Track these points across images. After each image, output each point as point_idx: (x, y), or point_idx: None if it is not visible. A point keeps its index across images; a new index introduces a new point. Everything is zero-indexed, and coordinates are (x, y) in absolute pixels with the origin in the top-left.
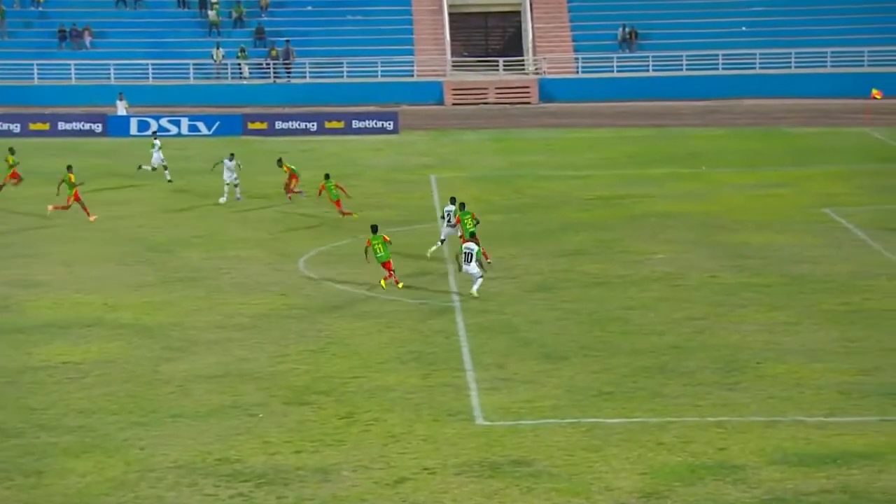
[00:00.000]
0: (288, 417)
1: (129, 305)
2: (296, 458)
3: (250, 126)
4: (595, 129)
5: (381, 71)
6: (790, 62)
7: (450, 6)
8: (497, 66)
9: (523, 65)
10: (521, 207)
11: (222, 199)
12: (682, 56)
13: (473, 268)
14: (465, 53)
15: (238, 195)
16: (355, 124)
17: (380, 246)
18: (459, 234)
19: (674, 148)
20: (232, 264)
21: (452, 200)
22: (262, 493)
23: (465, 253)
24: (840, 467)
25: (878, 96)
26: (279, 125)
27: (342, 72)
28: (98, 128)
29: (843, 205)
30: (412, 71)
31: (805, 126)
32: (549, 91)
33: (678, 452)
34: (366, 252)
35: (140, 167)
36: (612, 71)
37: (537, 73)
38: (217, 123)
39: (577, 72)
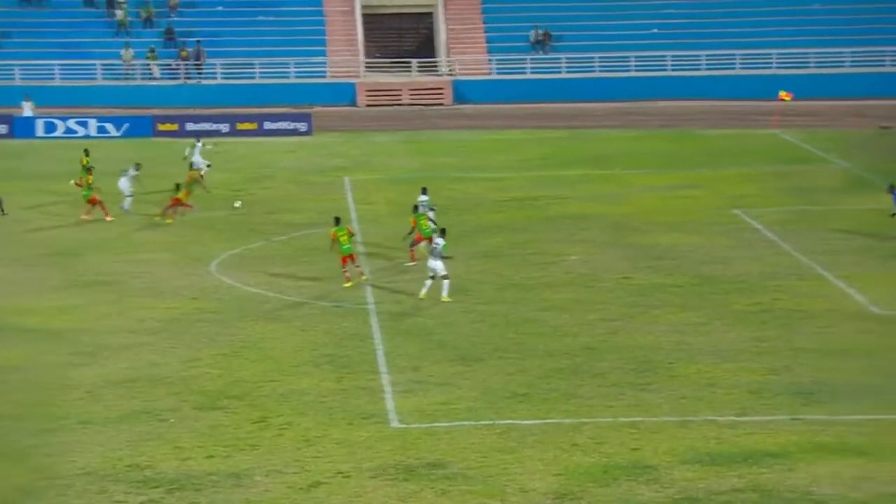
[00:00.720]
0: (200, 422)
1: (36, 310)
2: (208, 464)
3: (160, 127)
4: (509, 131)
5: (294, 72)
6: (701, 64)
7: (363, 7)
8: (410, 67)
9: (437, 66)
10: (436, 210)
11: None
12: (594, 58)
13: (438, 265)
14: (379, 55)
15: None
16: (268, 126)
17: (345, 237)
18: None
19: (587, 149)
20: (142, 268)
21: (424, 191)
22: (174, 499)
23: (433, 249)
24: (751, 466)
25: (786, 98)
26: (190, 126)
27: (254, 73)
28: (4, 129)
29: (753, 206)
30: (325, 72)
31: (716, 128)
32: (462, 92)
33: (592, 453)
34: (332, 244)
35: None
36: (526, 72)
37: (451, 75)
38: (126, 125)
39: (491, 73)
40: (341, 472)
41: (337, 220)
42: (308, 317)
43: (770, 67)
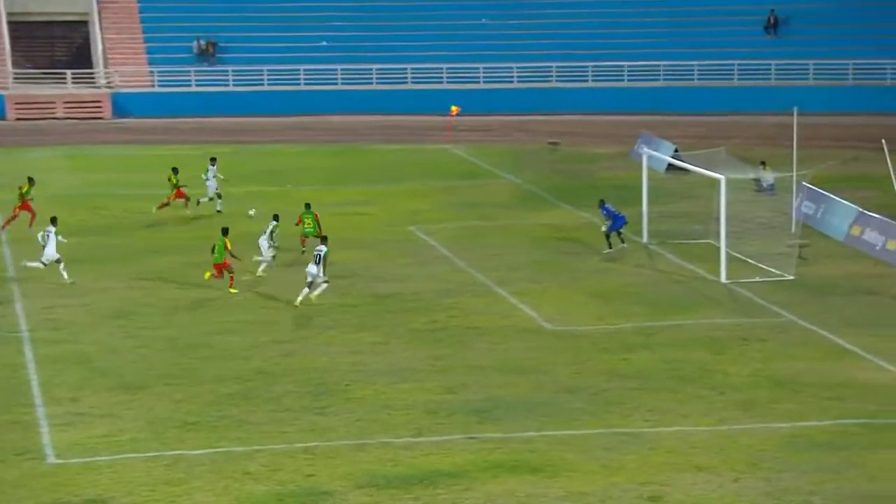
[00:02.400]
0: None
1: None
2: None
3: None
4: (175, 146)
5: None
6: (372, 78)
7: (8, 15)
8: (65, 78)
9: (94, 78)
10: (100, 229)
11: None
12: (263, 70)
13: (316, 270)
14: (29, 65)
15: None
16: None
17: (310, 221)
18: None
19: (257, 165)
20: None
21: (212, 161)
22: None
23: (315, 254)
24: (427, 487)
25: (455, 112)
26: None
27: None
28: None
29: (427, 222)
30: None
31: (388, 143)
32: (123, 105)
33: (265, 481)
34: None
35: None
36: (191, 85)
37: (110, 87)
38: None
39: (154, 85)
40: None
41: (224, 231)
42: None
43: (441, 82)
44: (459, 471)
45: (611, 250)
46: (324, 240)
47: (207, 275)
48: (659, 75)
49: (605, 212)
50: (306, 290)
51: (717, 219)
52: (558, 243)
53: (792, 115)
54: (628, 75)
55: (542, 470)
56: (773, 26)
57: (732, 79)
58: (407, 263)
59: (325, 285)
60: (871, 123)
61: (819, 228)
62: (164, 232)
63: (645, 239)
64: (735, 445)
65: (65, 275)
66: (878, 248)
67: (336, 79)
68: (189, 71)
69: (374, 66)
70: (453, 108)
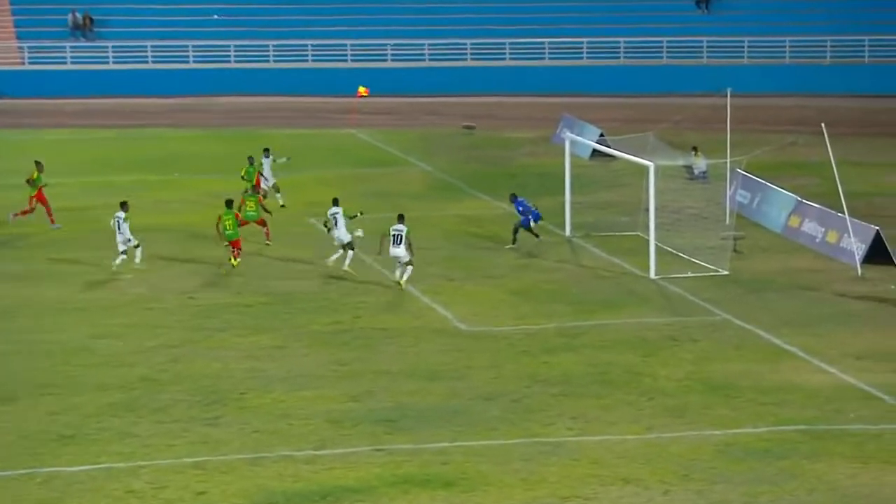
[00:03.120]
0: None
1: None
2: None
3: None
4: (51, 130)
5: None
6: (269, 56)
7: None
8: None
9: None
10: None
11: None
12: (146, 46)
13: (401, 252)
14: None
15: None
16: None
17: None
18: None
19: (142, 152)
20: None
21: (335, 202)
22: None
23: (393, 235)
24: None
25: (364, 94)
26: None
27: None
28: None
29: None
30: None
31: (288, 127)
32: None
33: (150, 500)
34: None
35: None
36: (66, 62)
37: None
38: None
39: (24, 63)
40: None
41: (228, 203)
42: None
43: (345, 60)
44: (365, 486)
45: (514, 245)
46: (401, 218)
47: (234, 262)
48: (582, 53)
49: (518, 206)
50: (409, 268)
51: (646, 209)
52: (474, 237)
53: (725, 96)
54: (549, 53)
55: (456, 484)
56: (704, 1)
57: (661, 57)
58: (308, 259)
59: (409, 268)
60: (810, 105)
61: (755, 219)
62: (36, 226)
63: (568, 232)
64: (665, 455)
65: (138, 257)
66: (817, 240)
67: (229, 56)
68: (64, 47)
69: (271, 43)
70: (361, 89)
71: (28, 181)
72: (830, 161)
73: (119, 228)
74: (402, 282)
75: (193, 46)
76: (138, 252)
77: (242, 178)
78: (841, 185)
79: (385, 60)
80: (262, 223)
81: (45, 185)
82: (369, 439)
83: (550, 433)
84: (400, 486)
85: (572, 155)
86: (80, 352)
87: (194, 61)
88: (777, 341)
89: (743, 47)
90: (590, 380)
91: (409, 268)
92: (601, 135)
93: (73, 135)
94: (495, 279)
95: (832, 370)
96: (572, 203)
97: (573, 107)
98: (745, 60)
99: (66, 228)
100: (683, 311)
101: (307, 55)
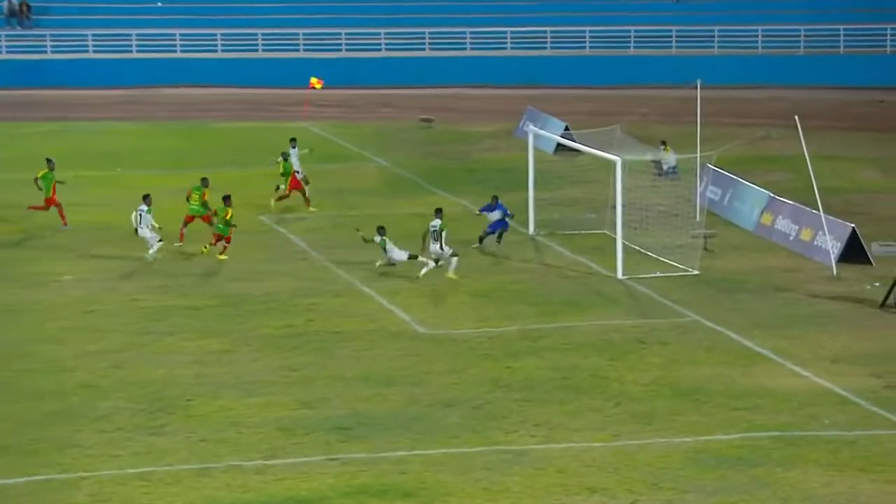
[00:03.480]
0: None
1: None
2: None
3: None
4: None
5: None
6: (217, 45)
7: None
8: None
9: None
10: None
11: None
12: (87, 35)
13: (438, 248)
14: None
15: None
16: None
17: (197, 198)
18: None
19: (83, 146)
20: None
21: (438, 213)
22: None
23: (431, 231)
24: None
25: (317, 86)
26: None
27: None
28: None
29: (283, 211)
30: None
31: (238, 120)
32: None
33: None
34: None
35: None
36: (1, 52)
37: None
38: None
39: None
40: None
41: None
42: None
43: (297, 50)
44: (319, 497)
45: (481, 245)
46: (438, 212)
47: (222, 257)
48: (546, 43)
49: (500, 211)
50: (427, 266)
51: (613, 206)
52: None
53: (695, 87)
54: (511, 43)
55: (415, 494)
56: None
57: (629, 47)
58: (259, 259)
59: (455, 259)
60: (783, 97)
61: (726, 216)
62: None
63: (531, 230)
64: (633, 463)
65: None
66: (791, 238)
67: (174, 45)
68: None
69: (219, 31)
70: (314, 80)
71: (38, 180)
72: (804, 155)
73: (140, 222)
74: (451, 275)
75: (137, 35)
76: (157, 245)
77: (281, 174)
78: (815, 180)
79: (339, 50)
80: (209, 220)
81: (63, 182)
82: (323, 448)
83: (513, 441)
84: (355, 498)
85: (535, 149)
86: (15, 357)
87: (138, 51)
88: (749, 344)
89: (713, 37)
90: (554, 385)
91: (455, 259)
92: (566, 128)
93: (9, 129)
94: (456, 279)
95: (806, 374)
96: (536, 200)
97: (536, 99)
98: (716, 51)
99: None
100: (652, 313)
101: (257, 44)
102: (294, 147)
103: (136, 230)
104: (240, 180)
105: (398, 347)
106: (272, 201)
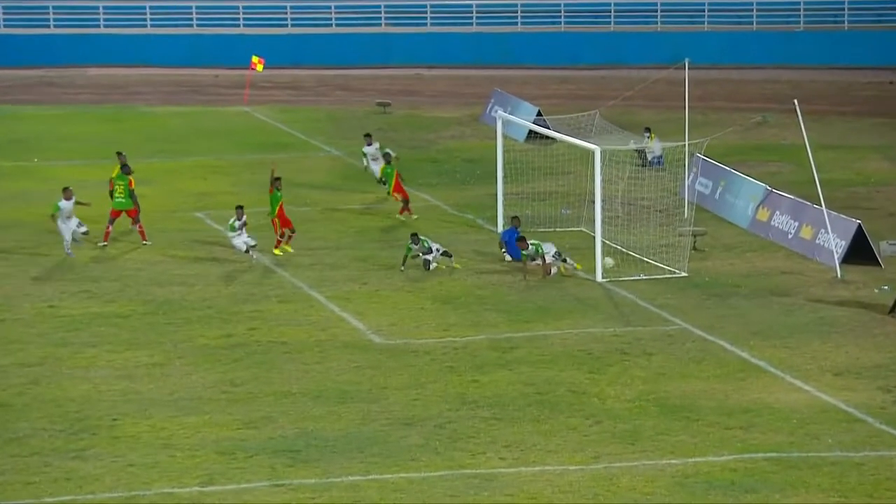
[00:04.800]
0: None
1: None
2: None
3: None
4: None
5: None
6: (145, 19)
7: None
8: None
9: None
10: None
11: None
12: None
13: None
14: None
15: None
16: None
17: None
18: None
19: None
20: None
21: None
22: None
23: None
24: None
25: (258, 67)
26: None
27: None
28: None
29: (220, 207)
30: None
31: (168, 104)
32: None
33: None
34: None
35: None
36: None
37: None
38: None
39: None
40: None
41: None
42: None
43: (237, 25)
44: None
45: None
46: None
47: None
48: (516, 18)
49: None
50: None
51: (592, 201)
52: (391, 233)
53: (683, 68)
54: (477, 18)
55: None
56: None
57: (609, 23)
58: (193, 260)
59: (449, 257)
60: (781, 79)
61: (718, 212)
62: None
63: (500, 227)
64: (615, 488)
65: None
66: (790, 236)
67: (97, 20)
68: None
69: (148, 4)
70: (255, 59)
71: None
72: (805, 144)
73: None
74: (455, 264)
75: (55, 7)
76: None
77: (381, 181)
78: (817, 171)
79: (284, 26)
80: (135, 214)
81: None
82: (268, 473)
83: (481, 464)
84: None
85: (505, 137)
86: None
87: (55, 26)
88: (744, 354)
89: (703, 11)
90: (527, 401)
91: (449, 257)
92: (538, 113)
93: None
94: (416, 283)
95: (808, 388)
96: (505, 194)
97: (506, 80)
98: (706, 27)
99: None
100: (635, 320)
101: (191, 19)
102: (370, 144)
103: (58, 226)
104: (170, 172)
105: (352, 360)
106: (400, 215)
